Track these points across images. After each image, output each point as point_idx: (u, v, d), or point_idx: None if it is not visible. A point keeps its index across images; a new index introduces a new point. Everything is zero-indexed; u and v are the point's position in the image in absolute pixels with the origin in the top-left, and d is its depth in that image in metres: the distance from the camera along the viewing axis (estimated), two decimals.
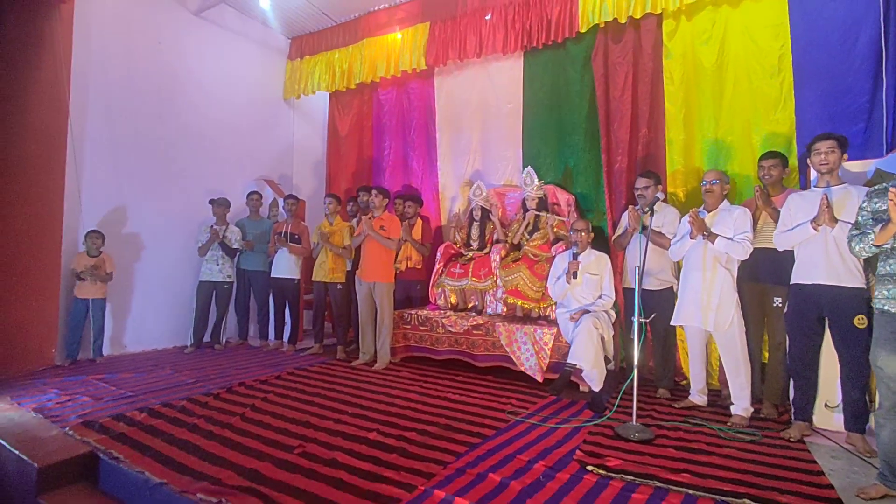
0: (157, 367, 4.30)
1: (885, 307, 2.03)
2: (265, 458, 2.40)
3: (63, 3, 4.30)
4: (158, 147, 5.08)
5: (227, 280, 5.16)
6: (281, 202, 5.40)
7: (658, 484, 2.16)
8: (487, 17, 4.85)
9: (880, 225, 2.04)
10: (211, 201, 5.10)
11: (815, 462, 2.46)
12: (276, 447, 2.55)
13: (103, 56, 4.67)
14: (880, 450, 2.13)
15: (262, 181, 5.87)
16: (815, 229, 2.66)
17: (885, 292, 2.03)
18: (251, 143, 6.02)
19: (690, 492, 2.10)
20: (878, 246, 2.06)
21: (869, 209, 2.15)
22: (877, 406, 2.18)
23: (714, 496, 2.06)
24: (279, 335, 5.27)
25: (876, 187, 2.17)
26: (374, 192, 4.47)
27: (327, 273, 4.83)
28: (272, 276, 5.16)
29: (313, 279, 4.94)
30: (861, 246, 2.13)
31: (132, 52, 4.89)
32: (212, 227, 5.04)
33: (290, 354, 4.93)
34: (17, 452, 2.52)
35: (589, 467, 2.33)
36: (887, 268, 2.04)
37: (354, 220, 4.99)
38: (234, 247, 5.12)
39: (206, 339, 5.16)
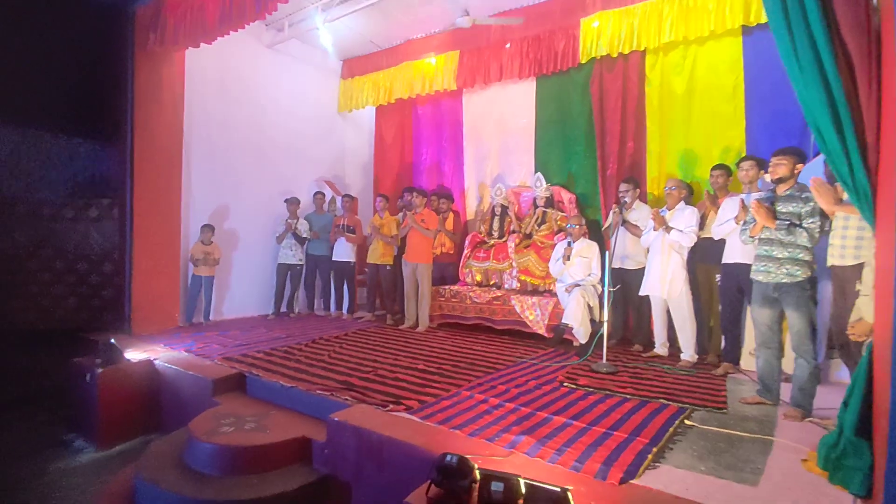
0: (253, 328, 5.67)
1: (756, 277, 3.11)
2: (352, 375, 3.69)
3: (178, 52, 5.61)
4: (244, 157, 6.41)
5: (299, 263, 6.49)
6: (339, 200, 6.69)
7: (607, 392, 3.33)
8: (507, 46, 5.93)
9: (753, 223, 3.12)
10: (285, 200, 6.43)
11: (724, 386, 3.56)
12: (357, 370, 3.83)
13: (204, 87, 5.99)
14: (757, 372, 3.22)
15: (322, 182, 7.17)
16: (737, 223, 3.70)
17: (756, 267, 3.11)
18: (313, 150, 7.30)
19: (627, 396, 3.26)
20: (752, 237, 3.14)
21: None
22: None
23: (640, 398, 3.21)
24: (339, 307, 6.61)
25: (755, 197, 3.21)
26: (415, 192, 5.69)
27: (379, 257, 6.11)
28: (333, 259, 6.47)
29: (367, 262, 6.22)
30: (744, 237, 3.21)
31: (225, 81, 6.21)
32: (286, 220, 6.37)
33: (349, 321, 6.25)
34: (191, 373, 3.89)
35: (565, 384, 3.51)
36: (758, 251, 3.11)
37: (400, 215, 6.23)
38: (304, 236, 6.44)
39: (283, 309, 6.54)
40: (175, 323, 5.64)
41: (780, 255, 2.96)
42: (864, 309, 2.34)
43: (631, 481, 2.16)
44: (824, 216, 2.85)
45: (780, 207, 3.01)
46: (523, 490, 1.90)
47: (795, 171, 3.00)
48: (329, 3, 5.76)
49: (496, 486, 1.90)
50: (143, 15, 5.27)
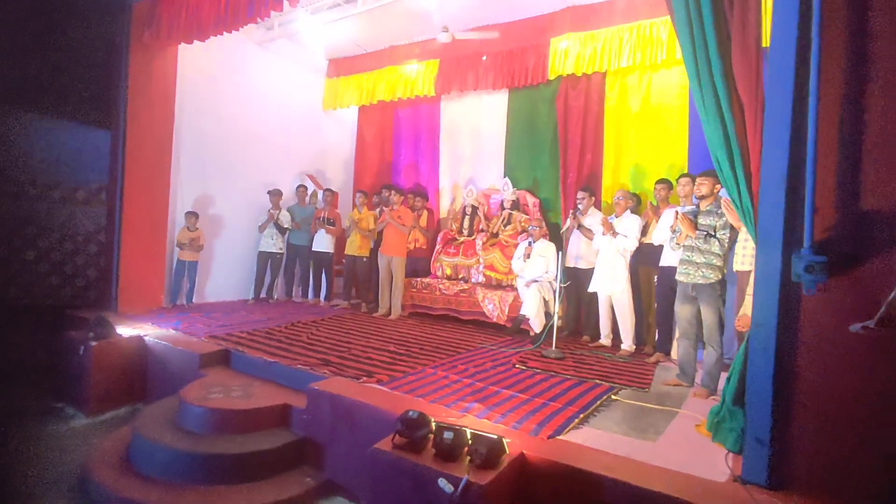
0: (234, 311, 6.01)
1: (679, 278, 3.67)
2: (329, 353, 4.11)
3: (170, 46, 5.88)
4: (231, 148, 6.71)
5: (279, 251, 6.84)
6: (320, 194, 7.06)
7: (552, 373, 3.85)
8: (484, 58, 6.40)
9: (680, 232, 3.68)
10: (269, 191, 6.76)
11: (653, 371, 4.12)
12: (333, 350, 4.26)
13: (195, 80, 6.26)
14: (677, 359, 3.79)
15: (305, 176, 7.51)
16: (672, 231, 4.27)
17: (679, 269, 3.67)
18: (297, 145, 7.64)
19: (568, 377, 3.78)
20: (678, 244, 3.70)
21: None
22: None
23: (578, 378, 3.74)
24: (317, 294, 6.99)
25: (682, 210, 3.78)
26: (392, 190, 6.12)
27: (356, 249, 6.52)
28: (313, 249, 6.84)
29: (345, 253, 6.62)
30: (672, 244, 3.77)
31: (216, 75, 6.49)
32: (269, 210, 6.71)
33: (325, 308, 6.64)
34: (179, 348, 4.25)
35: (517, 366, 4.02)
36: (682, 256, 3.67)
37: (377, 210, 6.64)
38: (285, 226, 6.78)
39: (262, 294, 6.88)
40: (159, 304, 5.94)
41: (698, 260, 3.52)
42: (749, 306, 2.90)
43: (557, 437, 2.66)
44: (733, 229, 3.42)
45: (701, 220, 3.57)
46: (469, 438, 2.38)
47: (715, 190, 3.56)
48: (319, 7, 6.12)
49: (447, 435, 2.37)
50: (139, 8, 5.53)
